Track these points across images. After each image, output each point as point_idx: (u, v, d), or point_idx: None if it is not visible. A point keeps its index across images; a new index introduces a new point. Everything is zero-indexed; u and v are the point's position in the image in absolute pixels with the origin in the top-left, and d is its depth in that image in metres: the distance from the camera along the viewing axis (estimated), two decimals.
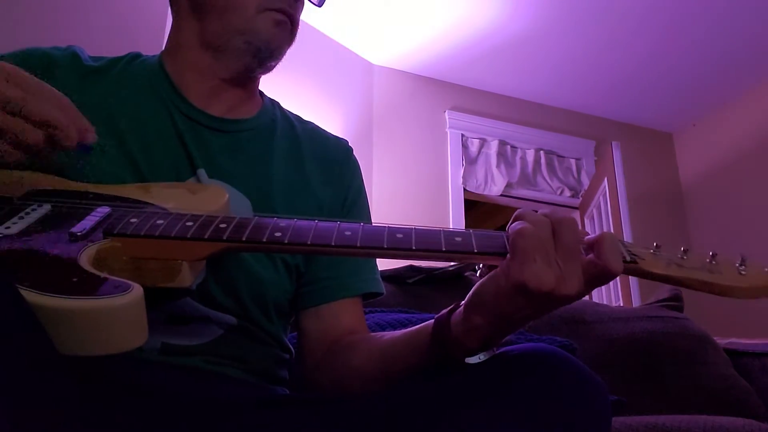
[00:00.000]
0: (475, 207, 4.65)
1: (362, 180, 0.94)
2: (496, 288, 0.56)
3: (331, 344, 0.78)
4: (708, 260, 0.59)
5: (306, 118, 0.96)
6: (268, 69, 0.84)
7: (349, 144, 0.96)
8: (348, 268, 0.83)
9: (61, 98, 0.60)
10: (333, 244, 0.58)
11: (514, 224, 0.56)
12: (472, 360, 0.61)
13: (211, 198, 0.70)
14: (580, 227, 0.57)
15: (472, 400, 0.56)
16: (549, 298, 0.54)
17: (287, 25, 0.81)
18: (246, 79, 0.85)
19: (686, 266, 0.58)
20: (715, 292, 0.58)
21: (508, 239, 0.56)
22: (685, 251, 0.59)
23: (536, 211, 0.58)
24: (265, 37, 0.79)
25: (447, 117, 3.82)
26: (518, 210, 0.58)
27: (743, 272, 0.58)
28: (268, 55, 0.80)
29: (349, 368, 0.73)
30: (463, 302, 0.62)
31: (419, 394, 0.60)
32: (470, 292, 0.60)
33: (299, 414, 0.64)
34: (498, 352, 0.62)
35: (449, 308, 0.63)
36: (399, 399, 0.60)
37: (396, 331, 0.72)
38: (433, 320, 0.64)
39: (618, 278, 3.48)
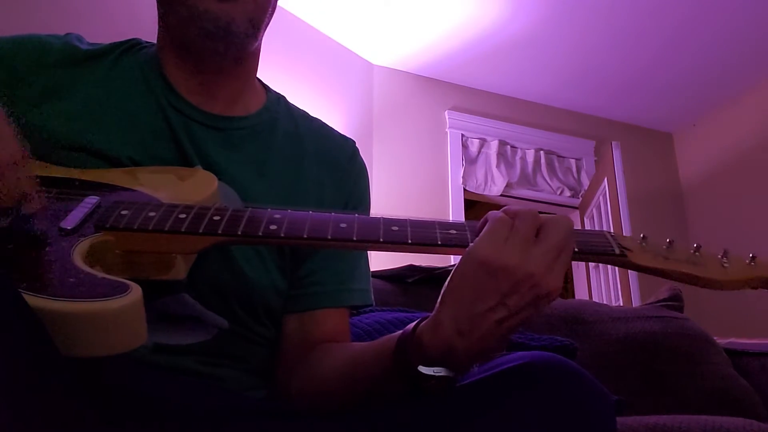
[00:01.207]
0: (475, 207, 4.65)
1: (368, 184, 0.90)
2: (460, 269, 0.54)
3: (308, 351, 0.75)
4: (692, 252, 0.60)
5: None
6: (242, 49, 0.77)
7: (356, 144, 0.91)
8: (337, 276, 0.80)
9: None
10: (329, 237, 0.57)
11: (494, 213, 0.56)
12: (427, 371, 0.55)
13: (200, 184, 0.69)
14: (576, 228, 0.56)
15: (472, 414, 0.55)
16: (522, 286, 0.52)
17: None
18: (228, 69, 0.80)
19: (671, 258, 0.59)
20: (699, 284, 0.59)
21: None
22: (670, 242, 0.61)
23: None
24: (212, 16, 0.72)
25: (447, 117, 3.81)
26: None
27: (725, 265, 0.59)
28: (225, 34, 0.73)
29: (319, 371, 0.71)
30: None
31: (415, 412, 0.58)
32: None
33: (289, 426, 0.63)
34: (456, 379, 0.56)
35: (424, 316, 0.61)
36: (395, 416, 0.59)
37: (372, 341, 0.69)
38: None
39: (618, 277, 3.46)
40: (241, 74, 0.82)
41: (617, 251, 0.58)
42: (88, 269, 0.53)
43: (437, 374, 0.54)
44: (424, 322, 0.56)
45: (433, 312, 0.56)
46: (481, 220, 0.57)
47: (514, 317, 0.53)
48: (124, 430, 0.58)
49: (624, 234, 3.08)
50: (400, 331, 0.59)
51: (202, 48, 0.76)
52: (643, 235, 0.61)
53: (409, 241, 0.57)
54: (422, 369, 0.55)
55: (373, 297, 0.84)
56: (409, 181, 3.54)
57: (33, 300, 0.46)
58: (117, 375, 0.61)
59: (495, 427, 0.54)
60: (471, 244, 0.55)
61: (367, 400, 0.63)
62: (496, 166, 3.76)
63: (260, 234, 0.58)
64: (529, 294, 0.52)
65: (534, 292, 0.52)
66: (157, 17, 0.81)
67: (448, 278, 0.55)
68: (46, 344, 0.45)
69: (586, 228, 3.64)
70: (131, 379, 0.62)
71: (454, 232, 0.59)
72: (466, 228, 0.59)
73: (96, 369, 0.55)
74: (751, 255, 0.60)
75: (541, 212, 0.56)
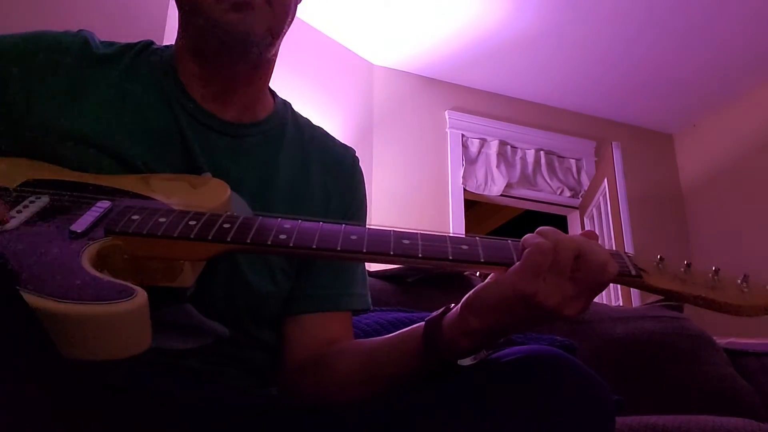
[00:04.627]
0: (475, 207, 4.65)
1: (365, 192, 0.92)
2: (500, 295, 0.57)
3: (314, 351, 0.77)
4: (710, 276, 0.59)
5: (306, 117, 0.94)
6: (259, 57, 0.77)
7: (356, 153, 0.93)
8: (338, 281, 0.82)
9: None
10: (339, 248, 0.57)
11: (534, 238, 0.57)
12: (464, 362, 0.62)
13: (212, 193, 0.69)
14: (610, 274, 0.57)
15: (472, 407, 0.56)
16: (551, 314, 0.56)
17: (250, 7, 0.71)
18: (244, 76, 0.80)
19: (689, 281, 0.58)
20: (717, 309, 0.58)
21: (519, 249, 0.57)
22: (687, 265, 0.59)
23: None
24: (229, 28, 0.71)
25: (447, 117, 3.81)
26: (546, 228, 0.58)
27: (745, 290, 0.58)
28: (243, 44, 0.73)
29: (334, 374, 0.73)
30: (454, 305, 0.63)
31: (417, 404, 0.60)
32: (470, 295, 0.60)
33: (296, 421, 0.64)
34: (489, 355, 0.62)
35: (440, 311, 0.64)
36: (397, 408, 0.60)
37: (381, 337, 0.72)
38: (422, 324, 0.64)
39: None
40: (256, 81, 0.82)
41: (633, 272, 0.58)
42: (94, 272, 0.52)
43: (474, 360, 0.62)
44: (452, 329, 0.61)
45: (461, 317, 0.60)
46: (521, 242, 0.58)
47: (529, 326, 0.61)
48: (129, 431, 0.59)
49: (624, 234, 3.06)
50: (419, 332, 0.64)
51: (219, 57, 0.77)
52: (660, 257, 0.60)
53: (420, 255, 0.57)
54: (461, 362, 0.62)
55: (370, 301, 0.86)
56: (409, 181, 3.54)
57: (37, 300, 0.46)
58: (121, 375, 0.61)
59: (494, 420, 0.55)
60: (514, 274, 0.57)
61: (384, 393, 0.66)
62: (496, 166, 3.76)
63: (269, 243, 0.57)
64: (557, 318, 0.58)
65: (555, 317, 0.58)
66: (167, 21, 0.81)
67: (478, 296, 0.59)
68: (45, 345, 0.45)
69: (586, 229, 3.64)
70: (136, 379, 0.63)
71: (466, 247, 0.58)
72: (478, 243, 0.59)
73: (100, 369, 0.55)
74: None
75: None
